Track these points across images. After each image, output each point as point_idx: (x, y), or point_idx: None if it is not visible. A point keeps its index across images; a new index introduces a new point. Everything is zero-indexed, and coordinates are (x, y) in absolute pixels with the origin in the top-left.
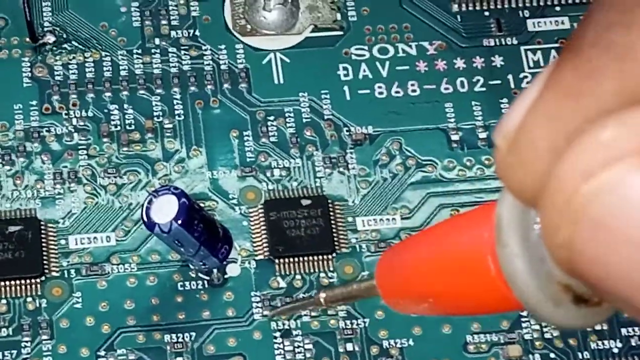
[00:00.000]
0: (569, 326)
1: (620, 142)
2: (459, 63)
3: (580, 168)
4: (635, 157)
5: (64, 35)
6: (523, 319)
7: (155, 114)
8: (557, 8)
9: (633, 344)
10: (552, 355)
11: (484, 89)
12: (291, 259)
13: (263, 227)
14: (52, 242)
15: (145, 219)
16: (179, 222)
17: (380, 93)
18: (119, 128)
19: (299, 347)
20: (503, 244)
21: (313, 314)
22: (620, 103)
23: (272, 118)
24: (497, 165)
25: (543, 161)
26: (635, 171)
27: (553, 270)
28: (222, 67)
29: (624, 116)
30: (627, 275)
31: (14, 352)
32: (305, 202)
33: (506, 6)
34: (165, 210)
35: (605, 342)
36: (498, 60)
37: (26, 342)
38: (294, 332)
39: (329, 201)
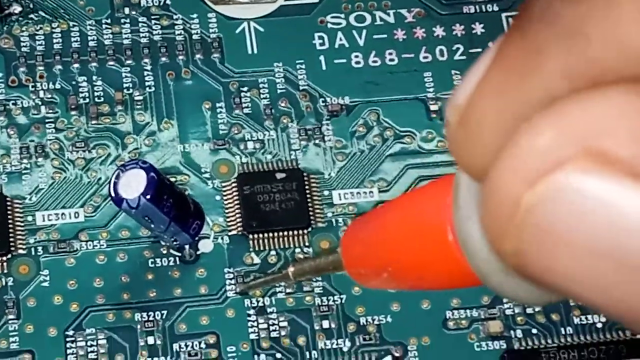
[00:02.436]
0: (518, 299)
1: (557, 149)
2: (438, 31)
3: (521, 176)
4: (575, 162)
5: (31, 5)
6: None
7: (125, 85)
8: None
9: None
10: (534, 330)
11: (464, 57)
12: (265, 234)
13: (236, 202)
14: (19, 219)
15: (112, 194)
16: (148, 197)
17: (357, 62)
18: (87, 100)
19: (273, 324)
20: (458, 207)
21: (288, 290)
22: (566, 85)
23: (245, 89)
24: (447, 139)
25: (490, 138)
26: (576, 176)
27: None
28: (194, 36)
29: (560, 117)
30: (580, 280)
31: None
32: (279, 175)
33: None
34: (134, 185)
35: (589, 316)
36: (478, 28)
37: None
38: (269, 310)
39: (305, 174)
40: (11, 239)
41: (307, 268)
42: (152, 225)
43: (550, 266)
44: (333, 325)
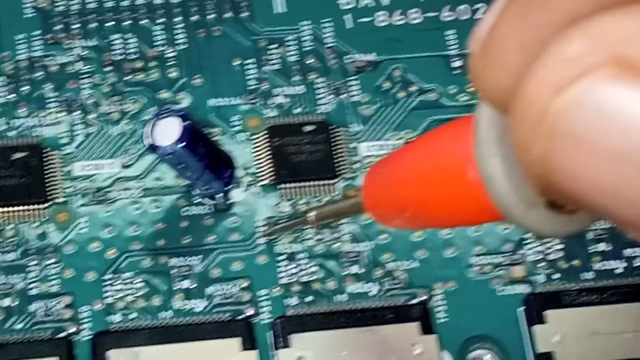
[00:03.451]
0: (541, 231)
1: (586, 56)
2: None
3: (549, 84)
4: (602, 69)
5: None
6: (527, 241)
7: (157, 43)
8: None
9: (636, 264)
10: (555, 276)
11: None
12: (294, 184)
13: (267, 153)
14: (58, 170)
15: (148, 141)
16: (183, 144)
17: (382, 21)
18: (121, 57)
19: (303, 270)
20: (479, 142)
21: (317, 237)
22: (590, 6)
23: (274, 46)
24: (470, 69)
25: (513, 60)
26: (604, 82)
27: None
28: None
29: (589, 27)
30: (605, 187)
31: (21, 276)
32: (308, 128)
33: None
34: (169, 132)
35: (609, 262)
36: None
37: (33, 266)
38: (299, 256)
39: (332, 127)
40: (50, 189)
41: (328, 212)
42: (187, 173)
43: (575, 173)
44: (361, 271)
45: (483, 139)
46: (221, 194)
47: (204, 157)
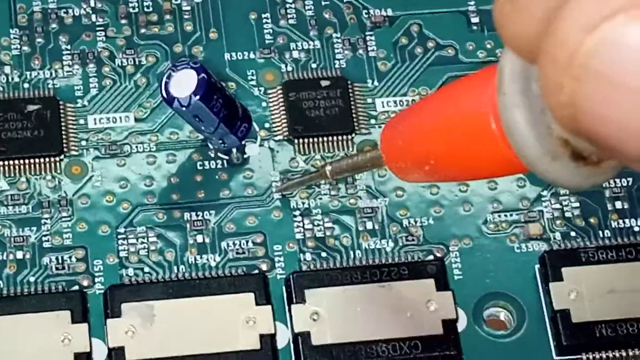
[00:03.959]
0: (564, 183)
1: None
2: None
3: (581, 22)
4: (635, 8)
5: None
6: (543, 198)
7: None
8: None
9: None
10: (572, 233)
11: None
12: (310, 139)
13: (282, 108)
14: (71, 121)
15: (164, 93)
16: (198, 96)
17: None
18: (136, 10)
19: (318, 225)
20: (503, 94)
21: (332, 192)
22: None
23: (290, 0)
24: (495, 16)
25: (541, 3)
26: (636, 21)
27: (552, 123)
28: None
29: None
30: (634, 129)
31: (34, 228)
32: (324, 83)
33: None
34: (185, 84)
35: (626, 220)
36: None
37: (46, 219)
38: (314, 211)
39: (348, 82)
40: (64, 141)
41: (345, 166)
42: (202, 126)
43: (604, 114)
44: (377, 227)
45: (507, 91)
46: (236, 149)
47: (220, 110)
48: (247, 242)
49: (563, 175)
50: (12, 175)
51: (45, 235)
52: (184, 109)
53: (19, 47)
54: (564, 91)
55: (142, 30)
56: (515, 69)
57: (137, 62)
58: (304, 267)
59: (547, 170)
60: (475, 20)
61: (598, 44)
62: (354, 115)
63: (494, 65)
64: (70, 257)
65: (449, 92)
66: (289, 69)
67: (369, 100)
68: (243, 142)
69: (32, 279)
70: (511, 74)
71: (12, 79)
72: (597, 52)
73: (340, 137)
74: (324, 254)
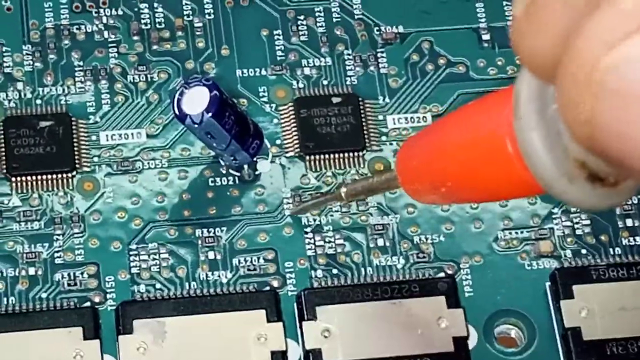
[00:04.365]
0: (581, 204)
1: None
2: None
3: (602, 39)
4: None
5: None
6: (554, 215)
7: (185, 12)
8: None
9: None
10: (583, 251)
11: None
12: (321, 156)
13: (294, 124)
14: (83, 138)
15: (176, 110)
16: (211, 113)
17: None
18: (149, 26)
19: (329, 242)
20: (519, 117)
21: (344, 210)
22: None
23: (302, 17)
24: (513, 34)
25: (559, 20)
26: None
27: (569, 145)
28: None
29: None
30: None
31: (46, 245)
32: (336, 99)
33: None
34: (197, 101)
35: (637, 238)
36: None
37: (58, 235)
38: (325, 228)
39: (360, 99)
40: (76, 158)
41: (360, 188)
42: (214, 143)
43: (622, 132)
44: (388, 244)
45: (523, 113)
46: (247, 165)
47: (232, 127)
48: (258, 258)
49: (580, 197)
50: (25, 191)
51: (57, 252)
52: (196, 126)
53: (31, 63)
54: (581, 108)
55: (154, 47)
56: (532, 91)
57: (149, 79)
58: (315, 284)
59: (564, 192)
60: (486, 37)
61: (619, 61)
62: (365, 132)
63: (510, 86)
64: (82, 274)
65: (465, 113)
66: (301, 85)
67: (380, 117)
68: (254, 159)
69: (44, 295)
70: (528, 97)
71: (25, 95)
72: (617, 68)
73: (351, 154)
74: (335, 271)
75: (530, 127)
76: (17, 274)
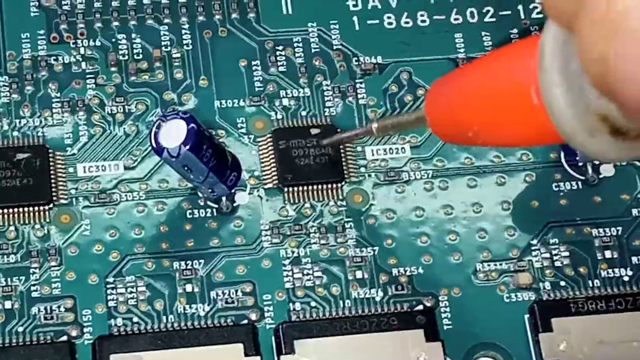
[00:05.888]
0: (603, 156)
1: None
2: None
3: None
4: None
5: None
6: (533, 247)
7: (163, 43)
8: None
9: None
10: (562, 283)
11: (493, 19)
12: (300, 188)
13: (272, 156)
14: (60, 170)
15: (153, 143)
16: (188, 146)
17: (390, 23)
18: (126, 57)
19: (308, 274)
20: (544, 70)
21: (322, 242)
22: None
23: (280, 48)
24: None
25: None
26: None
27: (591, 100)
28: None
29: None
30: None
31: (22, 278)
32: (314, 131)
33: None
34: (174, 134)
35: (616, 270)
36: None
37: (35, 268)
38: (303, 260)
39: (338, 130)
40: (53, 190)
41: (390, 124)
42: (191, 176)
43: (633, 71)
44: (366, 276)
45: (547, 68)
46: (225, 197)
47: (210, 160)
48: (236, 291)
49: (601, 149)
50: (1, 224)
51: (34, 285)
52: (173, 159)
53: (8, 94)
54: (596, 48)
55: (132, 78)
56: (556, 45)
57: (126, 110)
58: (294, 317)
59: (585, 144)
60: None
61: (632, 3)
62: (343, 164)
63: (537, 35)
64: (59, 307)
65: (492, 60)
66: (279, 116)
67: (359, 149)
68: (232, 191)
69: (20, 329)
70: (552, 51)
71: (2, 127)
72: (630, 10)
73: (330, 186)
74: (313, 304)
75: (553, 82)
76: None
